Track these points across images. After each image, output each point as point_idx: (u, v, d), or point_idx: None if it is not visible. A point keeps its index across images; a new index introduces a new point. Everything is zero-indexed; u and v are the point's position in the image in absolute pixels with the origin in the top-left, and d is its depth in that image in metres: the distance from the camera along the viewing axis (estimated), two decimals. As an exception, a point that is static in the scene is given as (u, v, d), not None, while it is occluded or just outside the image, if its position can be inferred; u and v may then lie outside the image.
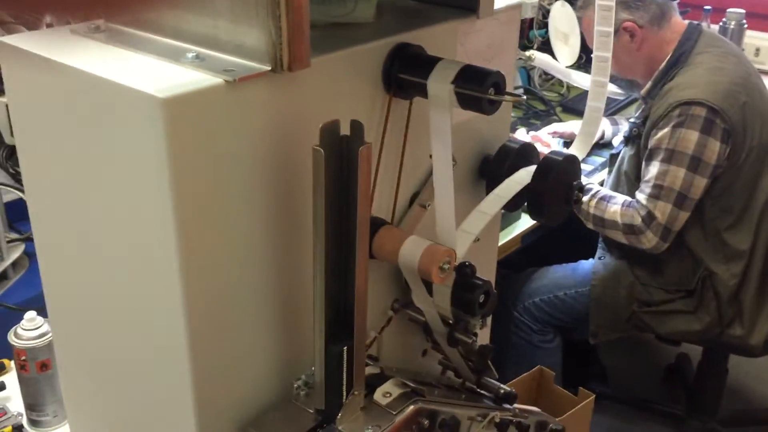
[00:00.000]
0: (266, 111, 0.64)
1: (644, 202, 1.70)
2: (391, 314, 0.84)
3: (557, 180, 0.84)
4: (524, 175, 0.85)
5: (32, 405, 1.16)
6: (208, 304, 0.65)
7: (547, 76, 2.49)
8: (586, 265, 1.96)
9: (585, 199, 1.77)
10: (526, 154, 0.88)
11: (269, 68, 0.62)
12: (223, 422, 0.69)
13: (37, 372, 1.12)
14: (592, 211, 1.76)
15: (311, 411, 0.71)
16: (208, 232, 0.63)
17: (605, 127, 2.09)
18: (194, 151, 0.60)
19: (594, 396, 0.98)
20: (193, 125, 0.59)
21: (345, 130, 0.63)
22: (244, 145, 0.64)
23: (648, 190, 1.70)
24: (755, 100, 1.70)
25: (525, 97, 2.32)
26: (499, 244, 1.76)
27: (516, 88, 2.36)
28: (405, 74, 0.73)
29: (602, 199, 1.76)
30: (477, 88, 0.68)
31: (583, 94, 2.28)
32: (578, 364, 2.24)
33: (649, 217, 1.69)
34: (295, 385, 0.75)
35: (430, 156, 0.74)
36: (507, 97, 0.69)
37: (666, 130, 1.66)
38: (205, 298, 0.64)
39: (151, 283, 0.66)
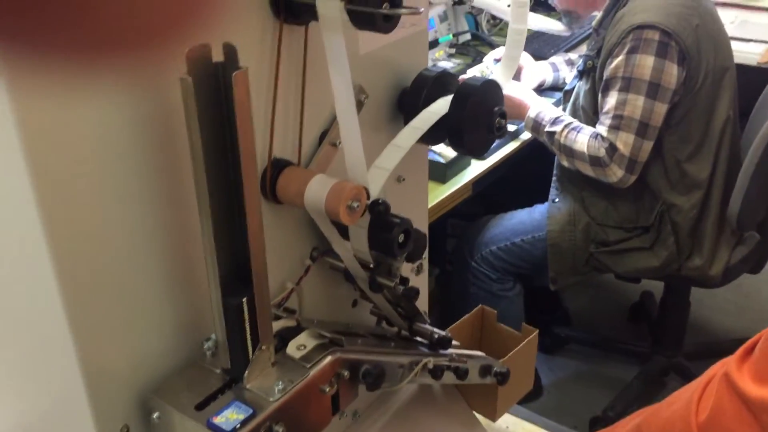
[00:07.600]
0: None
1: (605, 134, 1.66)
2: (309, 263, 0.78)
3: (476, 107, 0.78)
4: (442, 105, 0.79)
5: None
6: (81, 267, 0.58)
7: (495, 21, 2.43)
8: (542, 208, 1.92)
9: (557, 129, 1.72)
10: (444, 82, 0.82)
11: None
12: (120, 391, 0.64)
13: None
14: (562, 141, 1.72)
15: (218, 371, 0.66)
16: (70, 184, 0.56)
17: (546, 74, 2.03)
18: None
19: (537, 331, 0.94)
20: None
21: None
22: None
23: (608, 121, 1.65)
24: (707, 24, 1.66)
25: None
26: (450, 191, 1.71)
27: (463, 33, 2.29)
28: (292, -6, 0.65)
29: (573, 129, 1.72)
30: (370, 2, 0.62)
31: (531, 37, 2.22)
32: (541, 310, 2.22)
33: (612, 150, 1.65)
34: (205, 347, 0.69)
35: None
36: (403, 11, 0.63)
37: (621, 57, 1.61)
38: (75, 260, 0.57)
39: (17, 250, 0.58)
